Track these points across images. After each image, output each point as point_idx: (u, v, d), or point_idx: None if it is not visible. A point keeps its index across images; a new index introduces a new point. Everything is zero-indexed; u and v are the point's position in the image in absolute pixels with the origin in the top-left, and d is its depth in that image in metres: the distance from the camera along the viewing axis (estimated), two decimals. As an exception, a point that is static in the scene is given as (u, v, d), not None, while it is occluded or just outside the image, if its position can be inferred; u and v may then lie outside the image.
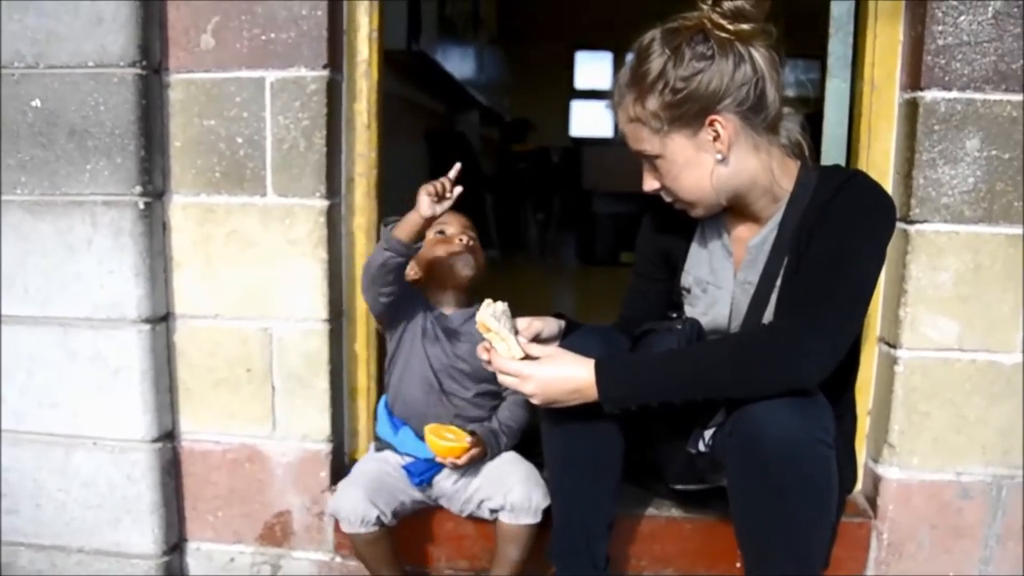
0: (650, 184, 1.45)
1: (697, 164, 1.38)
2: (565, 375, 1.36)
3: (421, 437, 1.67)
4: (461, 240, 1.71)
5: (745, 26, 1.32)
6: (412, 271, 1.72)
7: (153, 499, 1.79)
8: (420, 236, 1.58)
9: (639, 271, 1.67)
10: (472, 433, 1.64)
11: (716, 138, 1.35)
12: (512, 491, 1.60)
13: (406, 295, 1.67)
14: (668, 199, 1.46)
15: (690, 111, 1.34)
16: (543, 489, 1.60)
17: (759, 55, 1.33)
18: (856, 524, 1.73)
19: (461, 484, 1.69)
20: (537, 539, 1.63)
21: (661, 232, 1.60)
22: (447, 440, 1.61)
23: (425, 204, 1.53)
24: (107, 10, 1.63)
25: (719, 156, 1.36)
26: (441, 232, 1.73)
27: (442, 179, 1.55)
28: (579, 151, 6.73)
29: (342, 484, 1.68)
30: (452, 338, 1.71)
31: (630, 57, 1.40)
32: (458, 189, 1.57)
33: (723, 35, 1.32)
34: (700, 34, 1.33)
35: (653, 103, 1.35)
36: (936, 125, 1.60)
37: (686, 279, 1.56)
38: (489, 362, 1.42)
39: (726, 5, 1.33)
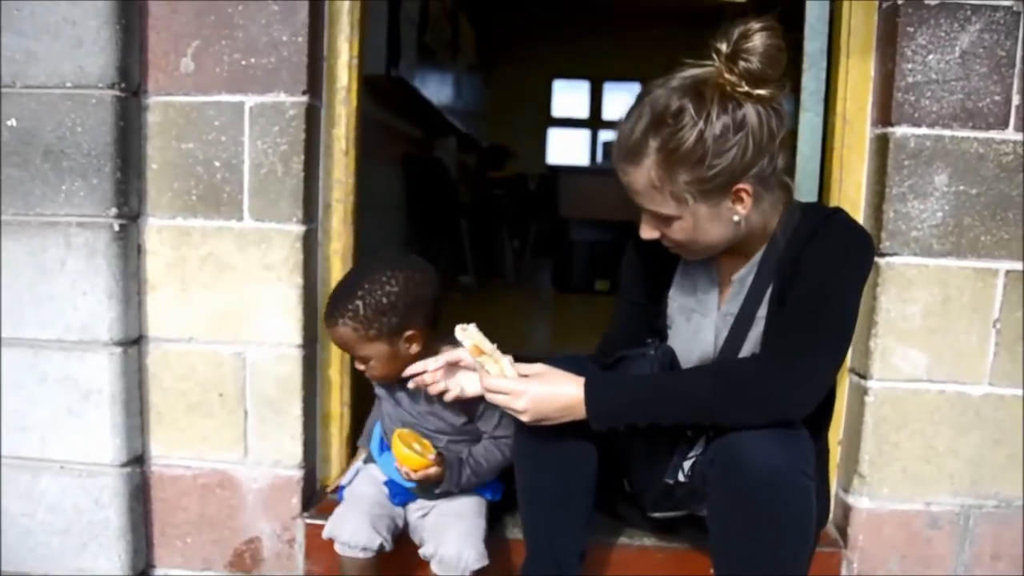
0: (649, 234, 1.41)
1: (713, 225, 1.36)
2: (556, 392, 1.37)
3: None
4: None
5: (764, 92, 1.29)
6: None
7: (121, 524, 1.77)
8: None
9: (624, 294, 1.67)
10: (439, 454, 1.63)
11: (737, 202, 1.34)
12: (444, 544, 1.55)
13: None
14: (666, 244, 1.43)
15: (721, 185, 1.31)
16: (479, 551, 1.55)
17: (774, 116, 1.31)
18: (827, 554, 1.74)
19: (423, 521, 1.66)
20: None
21: (647, 255, 1.57)
22: (413, 450, 1.58)
23: None
24: (87, 32, 1.63)
25: (737, 219, 1.36)
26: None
27: None
28: (555, 178, 6.75)
29: (341, 508, 1.64)
30: (412, 399, 1.66)
31: (647, 113, 1.31)
32: None
33: (743, 97, 1.29)
34: (728, 100, 1.28)
35: (685, 177, 1.30)
36: (906, 160, 1.64)
37: (671, 305, 1.57)
38: (458, 397, 1.44)
39: (744, 66, 1.28)
